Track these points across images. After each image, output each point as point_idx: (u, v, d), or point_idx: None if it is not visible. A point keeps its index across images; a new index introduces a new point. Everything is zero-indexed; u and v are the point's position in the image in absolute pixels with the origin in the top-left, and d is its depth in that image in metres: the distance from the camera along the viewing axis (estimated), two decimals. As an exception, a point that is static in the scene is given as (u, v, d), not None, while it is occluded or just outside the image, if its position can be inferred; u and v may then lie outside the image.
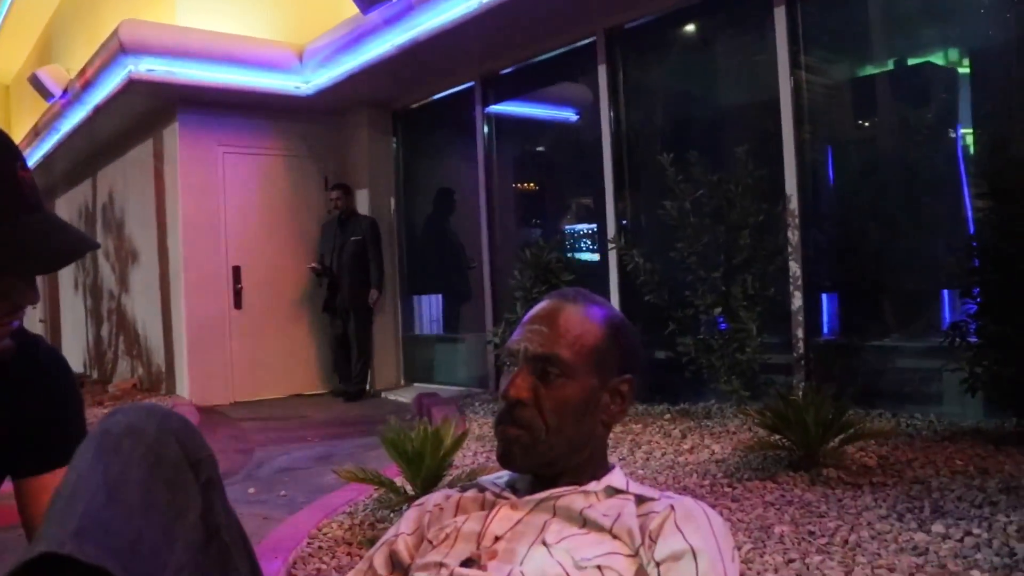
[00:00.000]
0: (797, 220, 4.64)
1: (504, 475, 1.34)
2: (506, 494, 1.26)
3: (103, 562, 0.80)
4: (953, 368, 3.66)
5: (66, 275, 11.20)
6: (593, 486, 1.22)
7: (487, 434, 4.76)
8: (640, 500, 1.21)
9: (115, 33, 6.60)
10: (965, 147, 4.44)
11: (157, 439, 0.96)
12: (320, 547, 2.86)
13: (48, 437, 1.25)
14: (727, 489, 3.15)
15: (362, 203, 7.62)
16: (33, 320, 12.38)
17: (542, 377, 1.22)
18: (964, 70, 4.59)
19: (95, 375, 10.00)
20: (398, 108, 7.90)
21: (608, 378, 1.26)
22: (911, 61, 4.82)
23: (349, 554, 2.76)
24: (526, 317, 1.29)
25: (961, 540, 2.37)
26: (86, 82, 7.42)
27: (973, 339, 3.61)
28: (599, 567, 1.09)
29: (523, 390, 1.21)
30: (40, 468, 1.25)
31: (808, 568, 2.25)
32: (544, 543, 1.13)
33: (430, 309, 8.05)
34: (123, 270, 8.95)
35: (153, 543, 0.87)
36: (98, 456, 0.92)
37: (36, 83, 8.21)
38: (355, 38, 6.57)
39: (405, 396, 7.03)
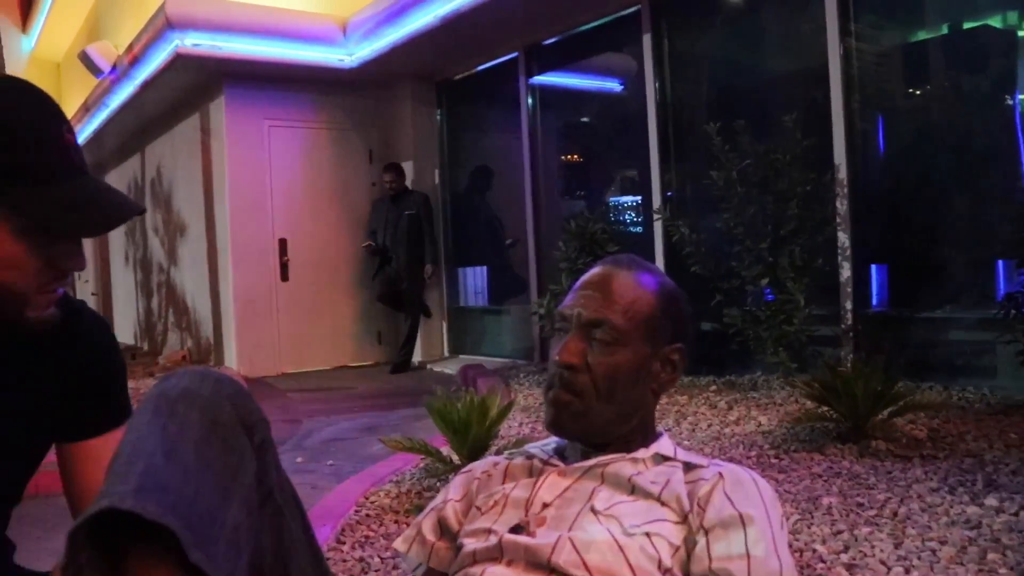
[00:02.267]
0: (846, 190, 4.56)
1: (552, 442, 1.34)
2: (554, 461, 1.26)
3: (164, 519, 0.82)
4: (1008, 340, 3.59)
5: (116, 249, 11.40)
6: (641, 453, 1.22)
7: (532, 405, 4.77)
8: (688, 467, 1.20)
9: (162, 8, 6.66)
10: (1023, 114, 4.32)
11: (212, 402, 0.98)
12: (368, 515, 2.89)
13: (94, 404, 1.27)
14: (774, 460, 3.13)
15: (407, 175, 7.62)
16: (85, 293, 12.64)
17: (594, 342, 1.22)
18: (1024, 33, 4.46)
19: (146, 347, 10.19)
20: (441, 80, 7.88)
21: (660, 346, 1.25)
22: (967, 24, 4.69)
23: (396, 522, 2.80)
24: (579, 282, 1.29)
25: (1016, 514, 2.33)
26: (134, 58, 7.50)
27: (1029, 310, 3.54)
28: (648, 534, 1.09)
29: (575, 355, 1.21)
30: (84, 434, 1.27)
31: (856, 540, 2.23)
32: (593, 510, 1.13)
33: (475, 281, 8.06)
34: (172, 243, 9.09)
35: (210, 502, 0.89)
36: (155, 418, 0.94)
37: (85, 60, 8.32)
38: (398, 9, 6.56)
39: (450, 368, 7.07)
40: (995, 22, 4.58)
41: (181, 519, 0.83)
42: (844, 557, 2.12)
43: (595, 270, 1.30)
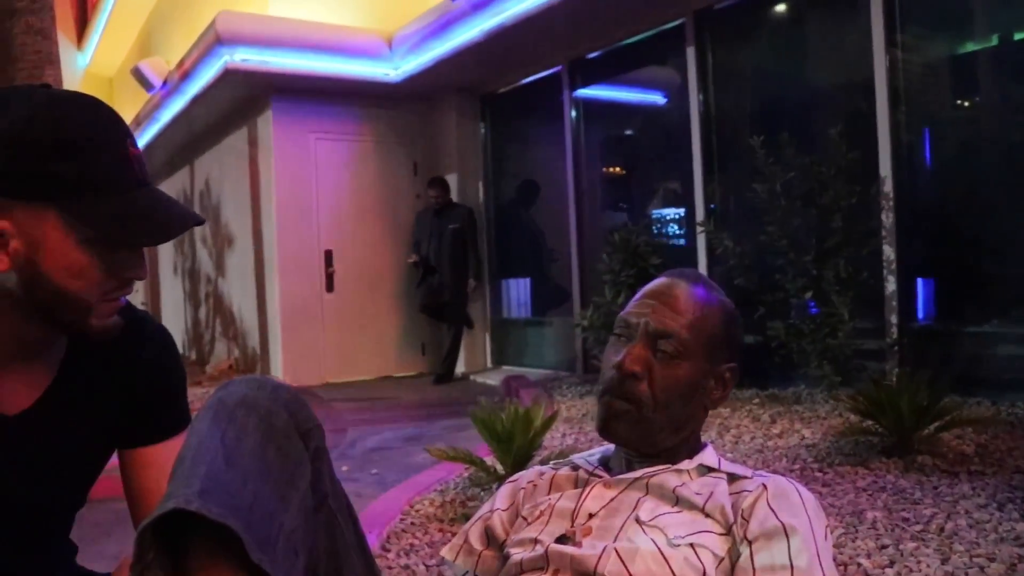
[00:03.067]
0: (891, 203, 4.52)
1: (596, 452, 1.36)
2: (599, 472, 1.28)
3: (227, 520, 0.86)
4: (1058, 355, 3.54)
5: (165, 259, 11.60)
6: (686, 464, 1.24)
7: (575, 416, 4.78)
8: (732, 478, 1.22)
9: (212, 24, 6.80)
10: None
11: (269, 409, 1.01)
12: (412, 523, 2.93)
13: (155, 411, 1.31)
14: (818, 474, 3.11)
15: (451, 188, 7.69)
16: (135, 303, 12.85)
17: (657, 353, 1.23)
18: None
19: (194, 356, 10.35)
20: (486, 93, 7.95)
21: (717, 363, 1.27)
22: (1018, 35, 4.64)
23: (441, 530, 2.83)
24: (643, 291, 1.30)
25: (1065, 531, 2.30)
26: (184, 73, 7.66)
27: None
28: (692, 545, 1.10)
29: (638, 363, 1.22)
30: (145, 440, 1.30)
31: (902, 555, 2.22)
32: (638, 520, 1.15)
33: (518, 293, 8.10)
34: (219, 254, 9.23)
35: (268, 506, 0.93)
36: (215, 425, 0.98)
37: (138, 75, 8.51)
38: (443, 24, 6.63)
39: (493, 379, 7.10)
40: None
41: (242, 522, 0.87)
42: (889, 572, 2.12)
43: (661, 280, 1.31)
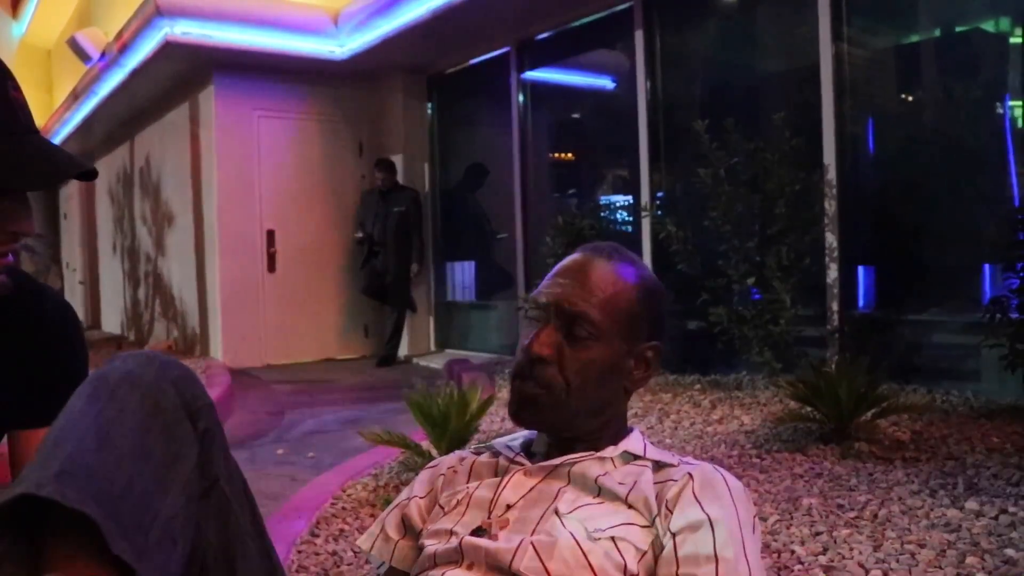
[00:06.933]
0: (835, 190, 4.54)
1: (519, 437, 1.30)
2: (520, 459, 1.22)
3: (84, 507, 0.78)
4: (992, 344, 3.57)
5: (105, 238, 11.33)
6: (609, 451, 1.18)
7: (516, 401, 4.74)
8: (658, 466, 1.17)
9: (151, -5, 6.60)
10: (1013, 119, 4.30)
11: (155, 386, 0.94)
12: (344, 508, 2.87)
13: (51, 391, 1.20)
14: (755, 460, 3.11)
15: (397, 168, 7.58)
16: (73, 282, 12.56)
17: (568, 335, 1.16)
18: (1016, 39, 4.44)
19: (132, 337, 10.13)
20: (433, 73, 7.84)
21: (636, 343, 1.20)
22: (959, 28, 4.68)
23: (372, 516, 2.77)
24: (556, 268, 1.22)
25: (996, 518, 2.31)
26: (123, 45, 7.43)
27: (1014, 315, 3.52)
28: (613, 538, 1.05)
29: (547, 347, 1.16)
30: (38, 422, 1.21)
31: (836, 541, 2.21)
32: (557, 513, 1.09)
33: (463, 276, 8.04)
34: (159, 233, 9.03)
35: (144, 491, 0.85)
36: (92, 401, 0.90)
37: (75, 46, 8.26)
38: (390, 1, 6.51)
39: (436, 362, 7.04)
40: (987, 26, 4.56)
41: (107, 509, 0.79)
42: (822, 559, 2.10)
43: (574, 256, 1.23)
